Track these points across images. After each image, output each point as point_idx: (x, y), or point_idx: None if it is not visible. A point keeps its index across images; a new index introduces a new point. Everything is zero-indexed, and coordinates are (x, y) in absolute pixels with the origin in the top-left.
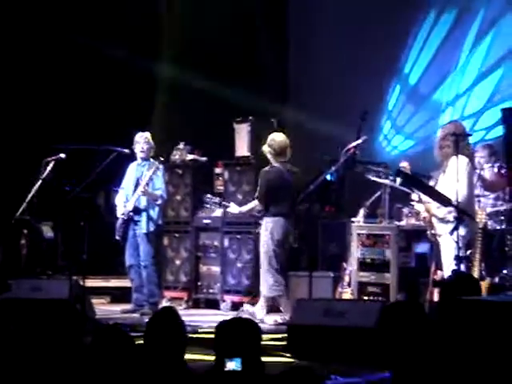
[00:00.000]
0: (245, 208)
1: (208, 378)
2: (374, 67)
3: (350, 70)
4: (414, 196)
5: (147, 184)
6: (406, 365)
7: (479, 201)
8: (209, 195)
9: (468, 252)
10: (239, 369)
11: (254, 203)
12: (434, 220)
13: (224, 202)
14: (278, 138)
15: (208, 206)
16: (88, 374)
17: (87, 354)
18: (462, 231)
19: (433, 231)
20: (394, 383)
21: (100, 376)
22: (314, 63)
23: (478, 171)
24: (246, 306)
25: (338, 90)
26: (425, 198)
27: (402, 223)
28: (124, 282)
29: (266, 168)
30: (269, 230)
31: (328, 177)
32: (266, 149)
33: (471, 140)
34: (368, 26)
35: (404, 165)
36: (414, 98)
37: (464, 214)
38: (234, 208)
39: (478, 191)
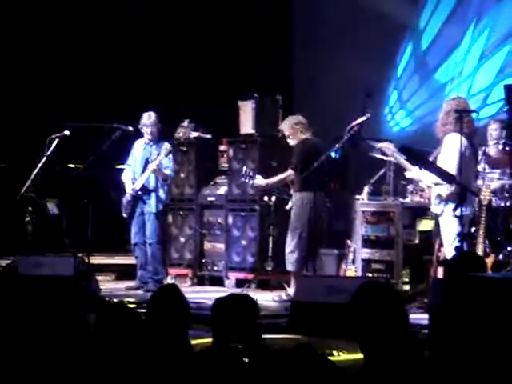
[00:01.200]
0: (274, 179)
1: (209, 354)
2: (385, 28)
3: (358, 37)
4: (408, 173)
5: (160, 164)
6: (376, 345)
7: (484, 178)
8: (251, 173)
9: (473, 229)
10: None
11: (287, 173)
12: (432, 198)
13: (250, 174)
14: (298, 116)
15: (243, 179)
16: (91, 351)
17: (90, 332)
18: (463, 208)
19: (431, 210)
20: (366, 364)
21: (103, 353)
22: (321, 30)
23: (486, 146)
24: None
25: (344, 64)
26: (425, 176)
27: (407, 200)
28: (129, 260)
29: (302, 139)
30: (304, 204)
31: (332, 154)
32: (291, 127)
33: (482, 115)
34: None
35: (384, 145)
36: (422, 67)
37: (467, 190)
38: (260, 180)
39: (481, 168)
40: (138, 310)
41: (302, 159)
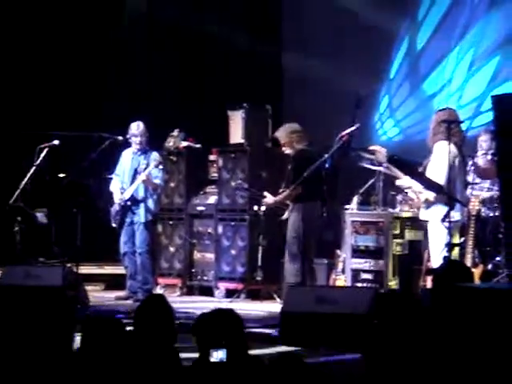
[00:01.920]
0: (281, 196)
1: (195, 369)
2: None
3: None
4: (398, 181)
5: (149, 174)
6: (396, 352)
7: (473, 188)
8: (245, 185)
9: (462, 239)
10: (224, 360)
11: (291, 191)
12: (421, 207)
13: (244, 186)
14: (294, 124)
15: (242, 194)
16: (78, 362)
17: (77, 343)
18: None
19: (420, 217)
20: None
21: (90, 365)
22: (310, 40)
23: (474, 157)
24: None
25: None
26: (415, 183)
27: (396, 210)
28: (118, 269)
29: (298, 149)
30: (300, 214)
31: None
32: (286, 136)
33: (475, 124)
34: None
35: (377, 148)
36: (413, 75)
37: (454, 200)
38: (269, 199)
39: (471, 178)
40: (127, 321)
41: (302, 172)
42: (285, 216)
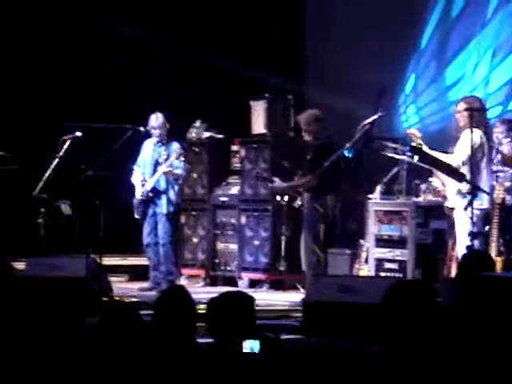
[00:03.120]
0: (292, 183)
1: (213, 356)
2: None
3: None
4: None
5: (170, 165)
6: (406, 345)
7: (497, 176)
8: (258, 170)
9: (487, 228)
10: (257, 351)
11: (306, 179)
12: (448, 193)
13: (263, 175)
14: (318, 112)
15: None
16: (93, 354)
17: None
18: (475, 205)
19: (447, 204)
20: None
21: (106, 355)
22: (334, 28)
23: (496, 146)
24: None
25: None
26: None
27: (420, 199)
28: (142, 261)
29: (318, 139)
30: (314, 205)
31: (346, 153)
32: (308, 123)
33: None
34: None
35: (413, 131)
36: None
37: (477, 188)
38: (278, 183)
39: (495, 167)
40: (150, 312)
41: (319, 162)
42: (296, 203)
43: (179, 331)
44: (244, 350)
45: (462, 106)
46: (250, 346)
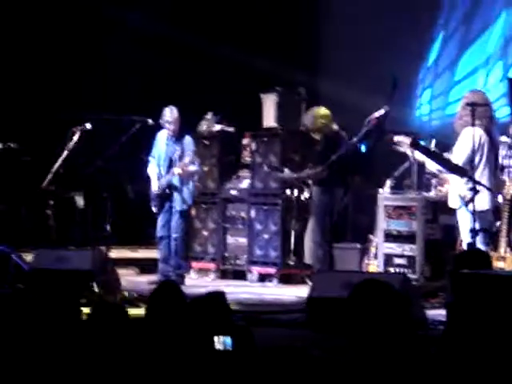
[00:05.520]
0: (302, 174)
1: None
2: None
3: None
4: (429, 165)
5: (185, 165)
6: (370, 339)
7: (509, 171)
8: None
9: (498, 223)
10: (230, 347)
11: (315, 171)
12: (450, 194)
13: (275, 165)
14: (321, 108)
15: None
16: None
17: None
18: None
19: (449, 205)
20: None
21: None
22: (347, 25)
23: (509, 141)
24: None
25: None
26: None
27: (431, 194)
28: (153, 253)
29: (328, 132)
30: (321, 199)
31: (360, 147)
32: (314, 122)
33: None
34: None
35: (400, 138)
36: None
37: (479, 184)
38: (287, 173)
39: (507, 162)
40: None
41: (328, 154)
42: (304, 196)
43: (171, 327)
44: (216, 347)
45: (462, 101)
46: (223, 341)
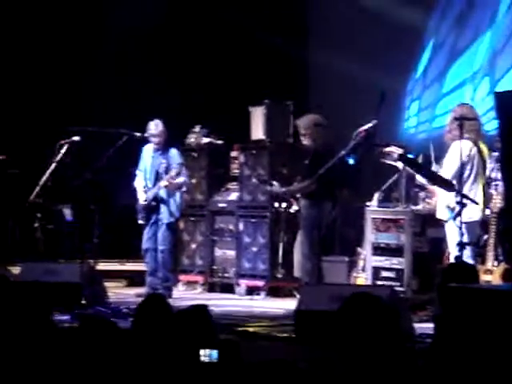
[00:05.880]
0: (291, 188)
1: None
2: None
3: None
4: (419, 177)
5: (171, 177)
6: (359, 353)
7: (496, 185)
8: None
9: (485, 237)
10: (215, 360)
11: (304, 184)
12: (438, 206)
13: (264, 178)
14: (320, 117)
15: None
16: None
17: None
18: (463, 217)
19: (438, 216)
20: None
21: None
22: (335, 34)
23: (495, 154)
24: None
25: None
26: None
27: (419, 207)
28: (141, 266)
29: (318, 144)
30: (317, 213)
31: (349, 160)
32: (308, 128)
33: None
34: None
35: (391, 149)
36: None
37: (466, 198)
38: (276, 188)
39: (494, 175)
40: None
41: (317, 167)
42: (293, 209)
43: (158, 339)
44: (202, 359)
45: (451, 115)
46: (209, 354)
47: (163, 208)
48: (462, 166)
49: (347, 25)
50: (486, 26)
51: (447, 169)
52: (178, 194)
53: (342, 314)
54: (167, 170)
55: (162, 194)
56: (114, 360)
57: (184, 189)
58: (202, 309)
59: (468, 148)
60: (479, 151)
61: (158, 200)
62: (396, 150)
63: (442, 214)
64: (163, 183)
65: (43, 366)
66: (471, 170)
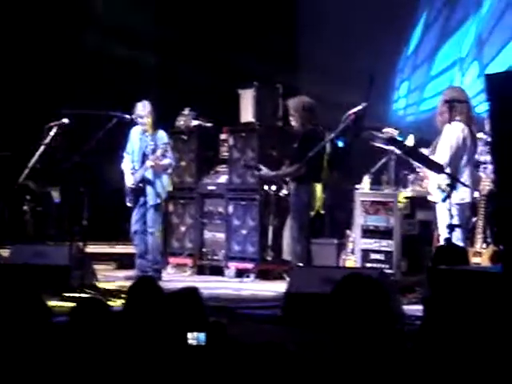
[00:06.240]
0: (280, 172)
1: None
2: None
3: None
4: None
5: (157, 158)
6: (353, 335)
7: (485, 167)
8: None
9: (474, 219)
10: (203, 343)
11: (293, 168)
12: (430, 188)
13: (250, 164)
14: (311, 100)
15: (246, 169)
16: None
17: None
18: (454, 199)
19: (430, 198)
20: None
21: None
22: (326, 17)
23: (485, 137)
24: None
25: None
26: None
27: (408, 190)
28: (130, 249)
29: (307, 128)
30: (299, 195)
31: (337, 142)
32: (298, 110)
33: None
34: None
35: (389, 130)
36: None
37: (457, 180)
38: (265, 172)
39: (483, 158)
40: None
41: (305, 151)
42: (282, 192)
43: (149, 322)
44: (190, 342)
45: (441, 97)
46: (196, 337)
47: (150, 189)
48: (458, 148)
49: (337, 4)
50: (476, 6)
51: (443, 153)
52: (164, 176)
53: (336, 296)
54: (154, 151)
55: (149, 175)
56: (106, 342)
57: (169, 171)
58: (193, 291)
59: (460, 129)
60: (471, 133)
61: (144, 181)
62: (392, 132)
63: (433, 195)
64: (149, 163)
65: (35, 347)
66: (463, 152)
